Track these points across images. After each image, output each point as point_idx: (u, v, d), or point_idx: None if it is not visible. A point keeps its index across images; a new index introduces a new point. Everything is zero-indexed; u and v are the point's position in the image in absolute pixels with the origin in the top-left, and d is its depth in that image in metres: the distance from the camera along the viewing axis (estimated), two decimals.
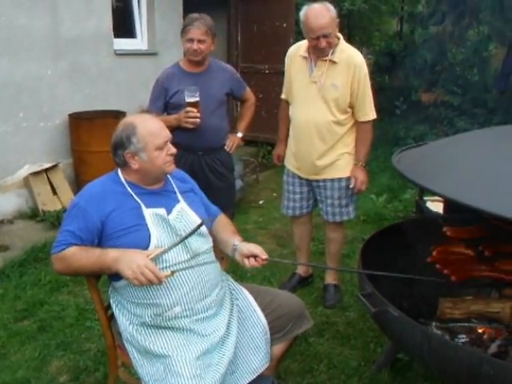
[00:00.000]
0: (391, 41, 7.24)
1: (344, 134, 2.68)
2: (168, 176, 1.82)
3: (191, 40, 2.64)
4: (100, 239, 1.66)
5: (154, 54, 5.16)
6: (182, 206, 1.75)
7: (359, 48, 9.31)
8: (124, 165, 1.71)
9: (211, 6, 6.44)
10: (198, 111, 2.58)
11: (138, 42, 5.22)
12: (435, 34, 6.30)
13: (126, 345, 1.71)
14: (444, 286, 2.03)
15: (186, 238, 1.64)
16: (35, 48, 4.18)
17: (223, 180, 2.90)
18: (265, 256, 1.76)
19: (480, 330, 1.95)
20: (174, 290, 1.64)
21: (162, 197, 1.74)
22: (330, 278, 2.99)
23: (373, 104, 2.67)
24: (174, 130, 2.48)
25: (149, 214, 1.66)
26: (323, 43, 2.47)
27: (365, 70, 2.60)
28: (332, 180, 2.75)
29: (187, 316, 1.66)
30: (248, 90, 3.01)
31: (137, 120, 1.70)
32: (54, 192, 4.27)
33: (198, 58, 2.69)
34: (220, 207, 2.04)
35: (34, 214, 4.11)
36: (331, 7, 2.52)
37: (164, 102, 2.73)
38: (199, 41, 2.64)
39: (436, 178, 1.65)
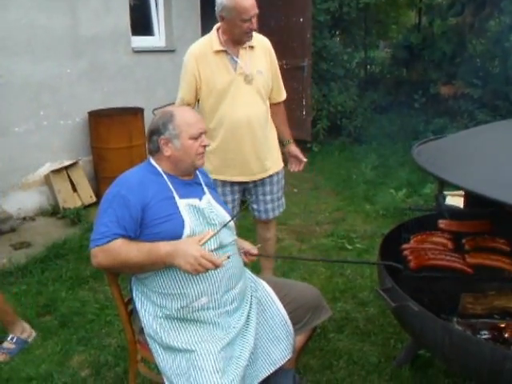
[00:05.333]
0: (409, 33, 7.11)
1: (269, 123, 2.61)
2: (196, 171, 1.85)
3: None
4: (140, 228, 1.65)
5: (171, 51, 5.18)
6: (208, 197, 1.79)
7: (376, 41, 9.24)
8: (157, 151, 1.74)
9: None
10: None
11: (156, 40, 5.25)
12: (454, 26, 6.16)
13: (148, 340, 1.72)
14: (466, 281, 2.00)
15: (232, 219, 1.70)
16: (55, 47, 4.24)
17: None
18: (255, 251, 1.91)
19: (503, 326, 1.92)
20: (202, 280, 1.65)
21: (193, 188, 1.78)
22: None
23: None
24: None
25: (182, 204, 1.68)
26: (255, 24, 2.34)
27: (273, 50, 2.57)
28: (277, 173, 2.67)
29: (213, 308, 1.67)
30: None
31: (175, 110, 1.77)
32: (74, 189, 4.34)
33: None
34: None
35: (54, 211, 4.19)
36: None
37: None
38: None
39: (456, 170, 1.62)
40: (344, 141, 6.36)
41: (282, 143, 2.73)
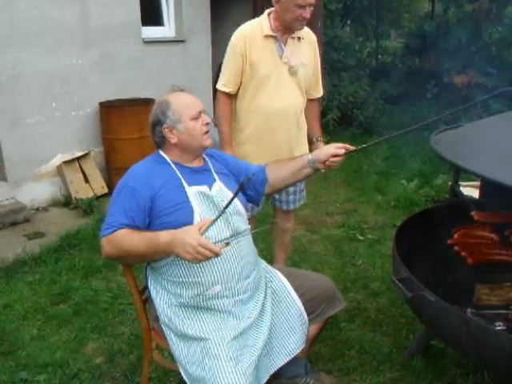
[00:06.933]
0: (422, 22, 7.01)
1: (303, 116, 2.58)
2: (205, 156, 1.84)
3: None
4: (150, 218, 1.65)
5: (181, 42, 5.17)
6: (219, 184, 1.77)
7: (388, 31, 9.13)
8: (163, 142, 1.75)
9: None
10: None
11: (166, 30, 5.23)
12: (470, 13, 6.03)
13: (162, 327, 1.73)
14: (481, 272, 1.98)
15: (232, 199, 1.61)
16: (66, 39, 4.24)
17: None
18: (342, 151, 1.86)
19: None
20: (216, 268, 1.65)
21: (203, 175, 1.77)
22: None
23: None
24: None
25: (192, 191, 1.68)
26: (309, 13, 2.28)
27: (317, 45, 2.53)
28: None
29: (226, 296, 1.67)
30: None
31: (170, 96, 1.77)
32: (86, 180, 4.37)
33: None
34: None
35: (67, 202, 4.22)
36: None
37: None
38: None
39: (474, 158, 1.59)
40: (355, 131, 6.30)
41: (310, 139, 2.68)
